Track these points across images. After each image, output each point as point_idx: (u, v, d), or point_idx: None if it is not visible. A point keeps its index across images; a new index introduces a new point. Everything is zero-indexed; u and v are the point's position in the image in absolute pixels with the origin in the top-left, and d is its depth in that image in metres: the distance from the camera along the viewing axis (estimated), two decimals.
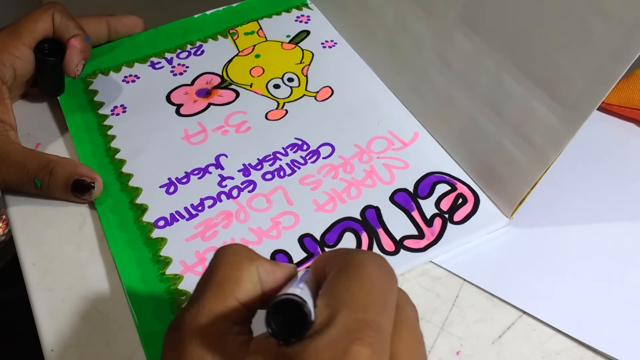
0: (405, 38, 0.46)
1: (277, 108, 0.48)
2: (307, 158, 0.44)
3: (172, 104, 0.48)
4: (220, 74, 0.51)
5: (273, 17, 0.55)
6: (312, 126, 0.47)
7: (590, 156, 0.45)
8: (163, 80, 0.50)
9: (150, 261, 0.39)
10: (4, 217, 0.79)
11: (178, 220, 0.41)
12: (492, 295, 0.38)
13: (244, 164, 0.44)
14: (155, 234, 0.40)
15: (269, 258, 0.39)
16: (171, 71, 0.51)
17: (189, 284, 0.38)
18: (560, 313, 0.37)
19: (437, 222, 0.41)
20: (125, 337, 0.36)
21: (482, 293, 0.38)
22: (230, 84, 0.50)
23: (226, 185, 0.43)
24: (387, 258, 0.38)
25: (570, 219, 0.41)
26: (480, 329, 0.36)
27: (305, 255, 0.39)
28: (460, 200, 0.42)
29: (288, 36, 0.54)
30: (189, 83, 0.50)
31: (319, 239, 0.40)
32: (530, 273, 0.38)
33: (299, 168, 0.44)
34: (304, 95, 0.49)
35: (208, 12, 0.55)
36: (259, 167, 0.44)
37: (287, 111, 0.48)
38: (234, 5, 0.56)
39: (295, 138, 0.46)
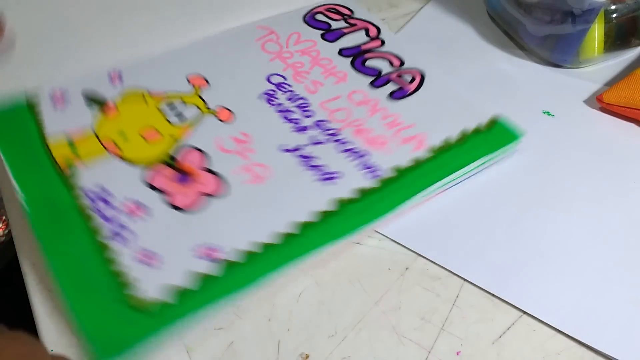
0: None
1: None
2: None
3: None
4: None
5: None
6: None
7: (590, 156, 0.45)
8: None
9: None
10: (4, 217, 0.79)
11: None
12: (492, 295, 0.38)
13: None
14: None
15: None
16: None
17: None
18: (560, 313, 0.37)
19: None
20: None
21: (482, 293, 0.38)
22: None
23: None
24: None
25: (570, 220, 0.41)
26: (480, 329, 0.36)
27: None
28: None
29: None
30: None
31: None
32: (530, 273, 0.38)
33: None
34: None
35: None
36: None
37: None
38: None
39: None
